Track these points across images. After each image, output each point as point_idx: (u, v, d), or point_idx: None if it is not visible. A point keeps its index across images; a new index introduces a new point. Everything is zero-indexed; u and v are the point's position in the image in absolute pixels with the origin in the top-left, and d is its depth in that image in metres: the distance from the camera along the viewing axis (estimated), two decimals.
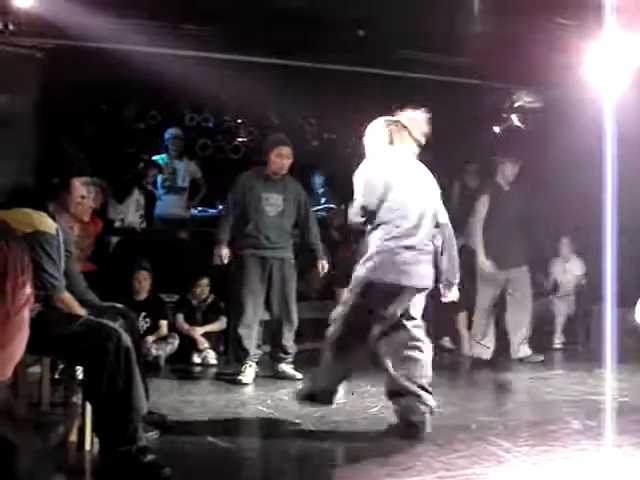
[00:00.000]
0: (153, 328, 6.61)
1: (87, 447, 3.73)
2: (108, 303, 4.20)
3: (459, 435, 4.24)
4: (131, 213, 8.23)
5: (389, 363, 4.28)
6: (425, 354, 4.39)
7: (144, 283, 6.64)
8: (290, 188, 6.16)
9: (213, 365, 6.77)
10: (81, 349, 3.40)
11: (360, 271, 4.26)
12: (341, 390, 4.40)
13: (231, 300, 6.39)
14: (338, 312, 4.38)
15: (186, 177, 9.02)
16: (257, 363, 6.10)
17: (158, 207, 8.87)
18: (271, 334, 6.33)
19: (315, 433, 4.38)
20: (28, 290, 1.29)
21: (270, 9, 6.56)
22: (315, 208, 8.01)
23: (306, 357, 6.04)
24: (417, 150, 4.45)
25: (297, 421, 4.60)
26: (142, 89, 8.57)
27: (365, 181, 4.28)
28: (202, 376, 6.51)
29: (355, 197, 4.32)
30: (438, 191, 4.46)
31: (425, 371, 4.33)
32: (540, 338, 7.73)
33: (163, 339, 6.62)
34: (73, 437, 3.81)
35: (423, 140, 4.45)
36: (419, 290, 4.32)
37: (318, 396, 4.41)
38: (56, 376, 4.97)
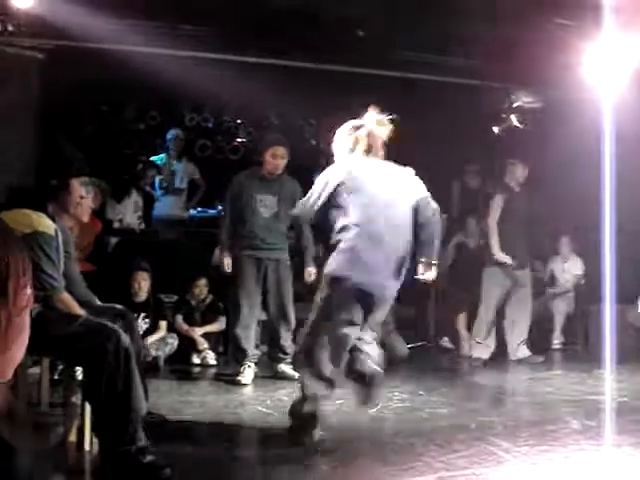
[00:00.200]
0: (152, 329, 6.61)
1: (86, 447, 3.72)
2: (107, 304, 4.20)
3: (459, 435, 4.24)
4: (129, 214, 8.23)
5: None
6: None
7: (143, 284, 6.64)
8: (286, 188, 6.12)
9: (212, 365, 6.77)
10: (80, 349, 3.40)
11: (326, 268, 4.14)
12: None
13: (229, 301, 6.40)
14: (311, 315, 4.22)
15: (184, 178, 9.03)
16: (256, 363, 6.11)
17: (156, 208, 8.88)
18: (269, 334, 6.34)
19: (314, 433, 4.37)
20: (29, 291, 1.29)
21: (270, 9, 6.56)
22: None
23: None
24: (382, 153, 4.33)
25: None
26: (142, 90, 8.58)
27: (323, 181, 4.17)
28: (201, 377, 6.51)
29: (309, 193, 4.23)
30: (418, 188, 4.30)
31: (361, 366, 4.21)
32: (539, 338, 7.74)
33: (162, 340, 6.62)
34: (72, 437, 3.80)
35: (384, 142, 4.32)
36: (378, 298, 4.09)
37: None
38: (55, 377, 4.97)
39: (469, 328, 7.96)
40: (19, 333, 1.27)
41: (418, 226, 4.17)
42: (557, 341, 8.35)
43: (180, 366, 6.64)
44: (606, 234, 5.89)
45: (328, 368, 4.04)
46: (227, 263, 6.08)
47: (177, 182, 8.96)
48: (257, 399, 5.37)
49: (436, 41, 7.08)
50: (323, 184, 4.16)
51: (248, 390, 5.77)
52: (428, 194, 4.28)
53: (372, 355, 4.24)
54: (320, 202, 4.14)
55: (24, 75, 6.92)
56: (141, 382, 3.54)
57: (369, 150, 4.27)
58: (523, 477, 3.60)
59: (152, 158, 9.03)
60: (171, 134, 8.96)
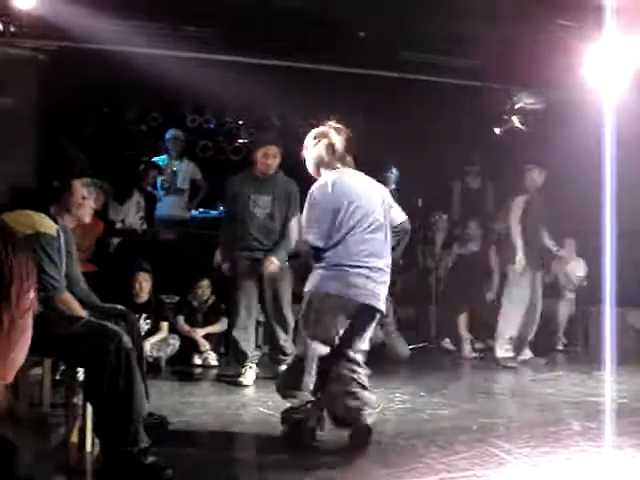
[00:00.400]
0: (154, 330, 6.62)
1: (88, 448, 3.73)
2: (108, 305, 4.20)
3: (460, 436, 4.24)
4: (132, 215, 8.23)
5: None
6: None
7: (145, 285, 6.64)
8: (280, 187, 6.07)
9: (214, 366, 6.78)
10: (82, 350, 3.40)
11: (306, 286, 4.16)
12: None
13: (229, 302, 6.40)
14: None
15: (186, 178, 9.03)
16: (257, 364, 6.11)
17: (158, 208, 8.88)
18: (269, 336, 6.33)
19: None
20: (32, 294, 1.29)
21: (271, 11, 6.56)
22: None
23: None
24: (349, 159, 4.30)
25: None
26: (143, 91, 8.58)
27: (320, 206, 4.11)
28: (203, 377, 6.52)
29: (310, 219, 4.13)
30: (387, 197, 4.29)
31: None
32: (542, 340, 7.73)
33: (164, 341, 6.63)
34: (74, 438, 3.81)
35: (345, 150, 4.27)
36: (366, 309, 4.08)
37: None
38: (57, 377, 4.97)
39: (470, 329, 7.98)
40: (21, 335, 1.27)
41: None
42: (560, 342, 8.36)
43: (181, 367, 6.65)
44: (607, 236, 5.89)
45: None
46: (226, 265, 6.10)
47: (179, 182, 8.96)
48: (258, 400, 5.37)
49: (438, 42, 7.08)
50: (320, 211, 4.09)
51: (249, 391, 5.78)
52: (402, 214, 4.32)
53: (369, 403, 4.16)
54: (326, 228, 4.07)
55: (26, 76, 6.93)
56: (142, 383, 3.55)
57: (341, 159, 4.24)
58: (524, 478, 3.60)
59: (154, 159, 9.03)
60: (170, 134, 8.96)
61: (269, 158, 6.00)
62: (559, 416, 4.92)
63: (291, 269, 6.23)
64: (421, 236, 8.59)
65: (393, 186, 9.17)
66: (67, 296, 3.72)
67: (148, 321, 6.61)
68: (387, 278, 4.15)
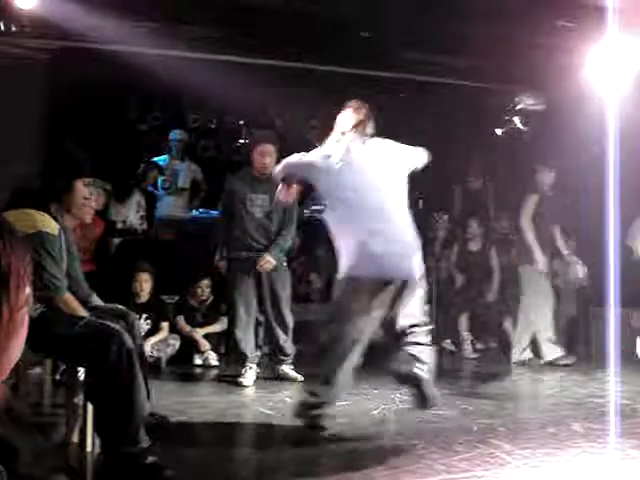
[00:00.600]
0: (154, 330, 6.61)
1: (88, 448, 3.73)
2: (109, 304, 4.20)
3: (460, 437, 4.24)
4: (132, 214, 8.24)
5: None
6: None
7: (145, 285, 6.64)
8: (277, 186, 6.08)
9: (214, 366, 6.77)
10: (83, 350, 3.40)
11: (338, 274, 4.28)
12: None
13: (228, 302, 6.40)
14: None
15: (187, 178, 9.03)
16: (258, 365, 6.10)
17: (159, 208, 8.88)
18: (268, 337, 6.33)
19: (316, 435, 4.38)
20: (28, 290, 1.30)
21: (272, 11, 6.56)
22: (314, 208, 8.02)
23: (308, 360, 6.05)
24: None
25: (298, 423, 4.60)
26: (145, 90, 8.58)
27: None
28: (203, 378, 6.51)
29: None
30: (405, 163, 4.42)
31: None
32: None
33: (164, 341, 6.62)
34: (74, 438, 3.81)
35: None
36: (390, 282, 4.18)
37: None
38: (57, 377, 4.98)
39: (471, 330, 7.97)
40: (16, 332, 1.27)
41: None
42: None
43: (182, 367, 6.65)
44: (610, 237, 5.88)
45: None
46: (222, 265, 6.09)
47: (180, 182, 8.96)
48: (259, 400, 5.37)
49: (438, 43, 7.08)
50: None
51: (250, 391, 5.77)
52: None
53: (421, 358, 4.27)
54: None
55: (27, 76, 6.93)
56: (143, 383, 3.54)
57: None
58: (525, 479, 3.59)
59: (154, 159, 9.03)
60: (176, 135, 8.97)
61: (265, 156, 5.98)
62: (560, 417, 4.91)
63: (290, 268, 6.24)
64: (421, 236, 8.57)
65: None
66: (68, 296, 3.72)
67: (148, 321, 6.61)
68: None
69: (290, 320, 6.09)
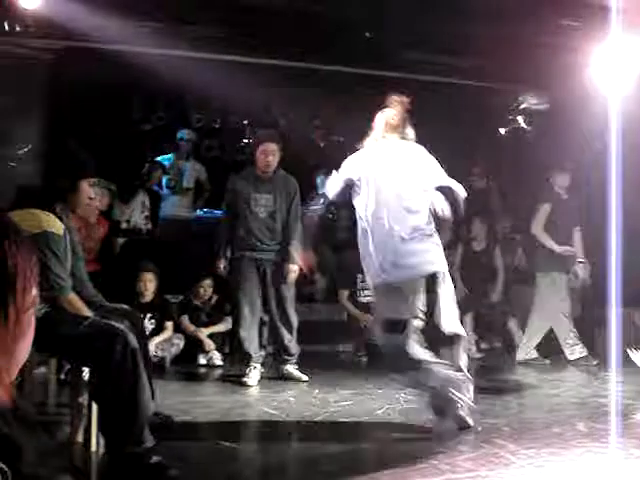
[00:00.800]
0: (158, 329, 6.62)
1: (93, 448, 3.73)
2: (113, 304, 4.21)
3: (465, 437, 4.24)
4: (137, 214, 8.24)
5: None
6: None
7: (149, 285, 6.64)
8: (281, 185, 6.06)
9: (218, 366, 6.77)
10: (88, 350, 3.40)
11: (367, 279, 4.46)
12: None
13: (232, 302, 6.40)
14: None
15: (191, 178, 9.04)
16: (262, 364, 6.10)
17: (163, 208, 8.88)
18: (273, 336, 6.33)
19: (320, 435, 4.39)
20: (34, 291, 1.30)
21: (276, 11, 6.56)
22: (315, 208, 8.01)
23: (313, 359, 6.06)
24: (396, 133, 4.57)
25: (302, 422, 4.61)
26: (149, 90, 8.59)
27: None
28: (207, 377, 6.52)
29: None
30: (434, 170, 4.60)
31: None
32: (546, 341, 7.71)
33: (168, 340, 6.63)
34: (79, 438, 3.81)
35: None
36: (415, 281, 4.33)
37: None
38: (62, 377, 4.99)
39: (475, 330, 7.95)
40: (23, 333, 1.28)
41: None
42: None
43: (186, 367, 6.65)
44: (612, 236, 5.88)
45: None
46: (224, 265, 6.09)
47: (184, 182, 8.96)
48: (263, 400, 5.37)
49: (441, 43, 7.08)
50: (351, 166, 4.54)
51: (254, 391, 5.77)
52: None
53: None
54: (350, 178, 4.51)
55: (31, 76, 6.94)
56: (148, 383, 3.55)
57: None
58: (529, 479, 3.59)
59: (158, 158, 9.03)
60: (183, 134, 8.97)
61: (268, 155, 5.98)
62: (564, 417, 4.90)
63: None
64: None
65: None
66: (73, 296, 3.73)
67: (153, 321, 6.61)
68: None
69: (295, 320, 6.08)
